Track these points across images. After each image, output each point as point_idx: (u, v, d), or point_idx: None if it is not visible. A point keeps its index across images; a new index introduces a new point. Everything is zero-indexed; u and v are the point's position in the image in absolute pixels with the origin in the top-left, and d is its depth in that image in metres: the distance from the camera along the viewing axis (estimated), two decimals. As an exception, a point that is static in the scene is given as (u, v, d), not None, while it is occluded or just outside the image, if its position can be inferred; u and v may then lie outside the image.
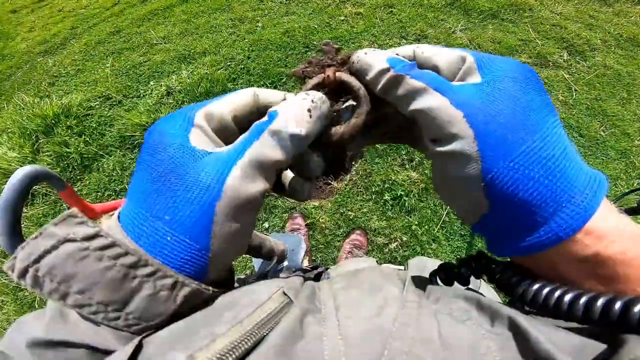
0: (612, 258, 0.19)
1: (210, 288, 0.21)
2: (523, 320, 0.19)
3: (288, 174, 0.28)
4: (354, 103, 0.26)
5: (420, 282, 0.27)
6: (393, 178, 1.64)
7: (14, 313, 1.55)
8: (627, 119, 1.88)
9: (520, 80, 0.21)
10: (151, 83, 2.17)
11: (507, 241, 0.22)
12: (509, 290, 0.23)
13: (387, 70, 0.22)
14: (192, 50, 2.30)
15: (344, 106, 0.26)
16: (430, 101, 0.21)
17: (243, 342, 0.18)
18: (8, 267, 0.18)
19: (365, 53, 0.24)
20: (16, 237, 0.47)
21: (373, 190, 1.64)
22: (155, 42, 2.43)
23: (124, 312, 0.18)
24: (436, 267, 0.30)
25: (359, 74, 0.25)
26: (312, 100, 0.22)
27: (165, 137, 0.21)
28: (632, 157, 1.75)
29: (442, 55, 0.24)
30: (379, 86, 0.23)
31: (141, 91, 2.14)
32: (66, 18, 2.92)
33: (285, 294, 0.23)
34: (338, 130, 0.24)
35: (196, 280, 0.20)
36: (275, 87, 2.02)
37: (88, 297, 0.18)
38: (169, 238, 0.19)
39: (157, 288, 0.19)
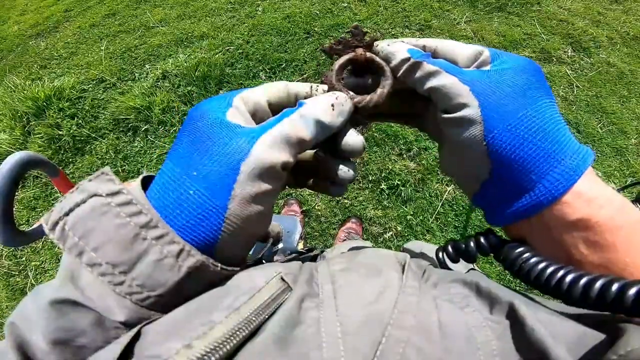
0: (600, 224, 0.22)
1: (219, 265, 0.22)
2: (522, 306, 0.20)
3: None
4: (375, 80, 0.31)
5: (419, 266, 0.29)
6: (390, 167, 1.69)
7: (5, 299, 1.60)
8: (626, 117, 1.95)
9: (523, 69, 0.26)
10: (147, 66, 2.21)
11: (505, 207, 0.26)
12: (513, 269, 0.25)
13: (408, 59, 0.27)
14: (190, 34, 2.34)
15: (369, 81, 0.31)
16: (443, 80, 0.26)
17: (240, 330, 0.18)
18: (45, 219, 0.19)
19: (388, 44, 0.29)
20: (9, 224, 0.47)
21: (370, 179, 1.69)
22: (152, 25, 2.47)
23: (129, 277, 0.19)
24: (444, 243, 0.32)
25: (382, 60, 0.30)
26: (337, 98, 0.26)
27: (207, 112, 0.24)
28: (627, 155, 1.82)
29: (461, 49, 0.28)
30: (401, 71, 0.28)
31: (136, 74, 2.18)
32: (60, 1, 2.94)
33: (283, 279, 0.23)
34: (366, 97, 0.28)
35: (207, 254, 0.21)
36: (274, 73, 2.07)
37: (100, 255, 0.19)
38: (191, 192, 0.21)
39: (163, 254, 0.20)
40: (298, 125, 0.24)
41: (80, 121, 2.01)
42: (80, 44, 2.51)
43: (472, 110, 0.25)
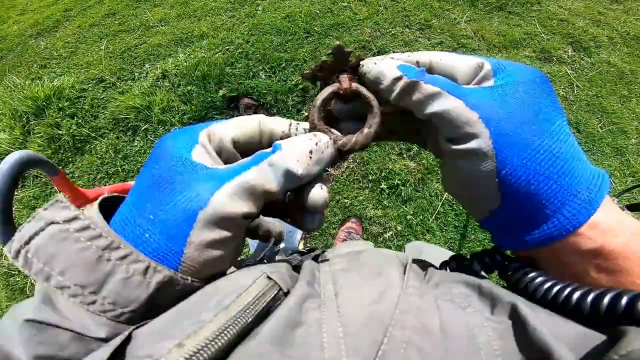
0: (615, 251, 0.21)
1: (189, 278, 0.22)
2: (524, 307, 0.20)
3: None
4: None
5: (421, 266, 0.29)
6: (390, 167, 1.70)
7: (5, 299, 1.61)
8: (626, 116, 1.96)
9: (531, 83, 0.24)
10: (146, 66, 2.22)
11: (515, 235, 0.24)
12: (518, 288, 0.24)
13: (400, 78, 0.24)
14: (190, 33, 2.35)
15: (359, 107, 0.28)
16: (447, 104, 0.23)
17: (230, 327, 0.19)
18: (7, 249, 0.20)
19: (375, 63, 0.26)
20: (7, 224, 0.47)
21: (370, 178, 1.70)
22: (151, 24, 2.49)
23: (100, 296, 0.20)
24: (447, 258, 0.32)
25: (371, 83, 0.26)
26: (317, 144, 0.24)
27: (171, 149, 0.23)
28: (627, 155, 1.83)
29: (460, 63, 0.25)
30: (394, 94, 0.25)
31: (136, 74, 2.20)
32: (59, 0, 2.96)
33: (269, 277, 0.23)
34: (350, 139, 0.26)
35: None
36: (274, 72, 2.08)
37: (67, 278, 0.19)
38: (147, 235, 0.21)
39: (129, 272, 0.20)
40: (266, 175, 0.22)
41: (80, 121, 2.02)
42: (80, 44, 2.52)
43: (483, 142, 0.22)
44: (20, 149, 1.98)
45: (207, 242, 0.22)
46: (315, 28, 2.26)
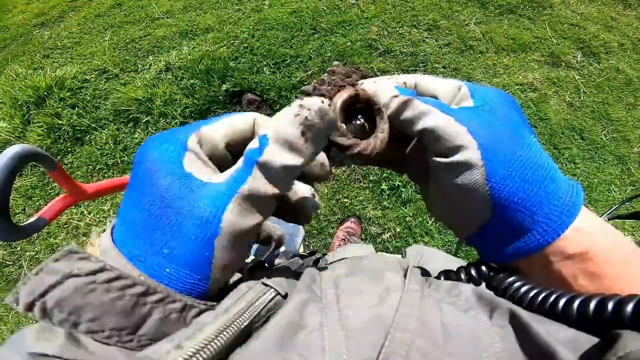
0: (598, 255, 0.23)
1: (215, 304, 0.22)
2: (523, 313, 0.21)
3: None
4: (363, 122, 0.28)
5: (421, 271, 0.29)
6: (392, 168, 1.70)
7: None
8: (630, 125, 1.96)
9: (505, 103, 0.27)
10: (150, 58, 2.24)
11: (504, 247, 0.25)
12: (505, 297, 0.25)
13: (397, 95, 0.26)
14: (195, 26, 2.37)
15: (358, 123, 0.28)
16: (437, 119, 0.25)
17: (229, 329, 0.19)
18: (11, 302, 0.19)
19: (374, 82, 0.28)
20: (4, 219, 0.46)
21: (370, 178, 1.70)
22: (157, 16, 2.50)
23: (137, 335, 0.20)
24: (447, 262, 0.33)
25: (370, 99, 0.28)
26: (307, 117, 0.22)
27: (159, 164, 0.22)
28: (629, 163, 1.83)
29: (441, 85, 0.28)
30: (391, 110, 0.26)
31: (139, 65, 2.21)
32: (66, -10, 3.00)
33: (265, 284, 0.24)
34: (370, 143, 0.26)
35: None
36: (278, 68, 2.09)
37: (100, 324, 0.19)
38: (168, 270, 0.21)
39: (167, 312, 0.20)
40: (263, 181, 0.22)
41: (80, 111, 2.03)
42: (85, 34, 2.54)
43: (472, 153, 0.24)
44: (20, 137, 2.01)
45: (229, 261, 0.22)
46: (322, 25, 2.26)
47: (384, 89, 0.27)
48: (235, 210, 0.21)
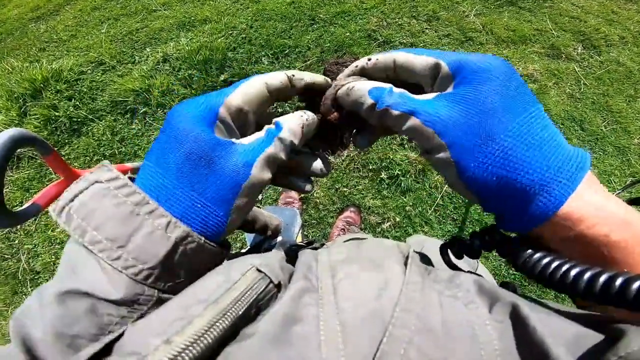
0: (596, 239, 0.22)
1: (202, 238, 0.25)
2: (525, 307, 0.21)
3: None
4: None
5: (422, 260, 0.30)
6: (391, 157, 1.71)
7: None
8: (630, 116, 1.98)
9: (495, 79, 0.25)
10: (147, 49, 2.25)
11: (503, 223, 0.27)
12: (517, 263, 0.25)
13: (374, 105, 0.28)
14: (193, 18, 2.38)
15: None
16: (409, 124, 0.26)
17: (219, 322, 0.20)
18: (52, 207, 0.23)
19: (348, 94, 0.31)
20: None
21: (370, 167, 1.72)
22: (154, 8, 2.51)
23: (125, 250, 0.22)
24: (449, 240, 0.33)
25: (352, 108, 0.31)
26: (306, 120, 0.31)
27: (194, 124, 0.26)
28: (629, 154, 1.85)
29: (418, 63, 0.28)
30: (373, 120, 0.30)
31: (136, 57, 2.22)
32: (61, -17, 3.01)
33: (259, 270, 0.25)
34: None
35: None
36: (276, 58, 2.11)
37: (100, 232, 0.22)
38: (199, 205, 0.25)
39: (154, 226, 0.23)
40: (279, 148, 0.28)
41: (77, 103, 2.04)
42: (81, 27, 2.55)
43: (444, 154, 0.25)
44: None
45: (244, 205, 0.27)
46: (321, 15, 2.28)
47: (361, 97, 0.29)
48: (259, 165, 0.27)
